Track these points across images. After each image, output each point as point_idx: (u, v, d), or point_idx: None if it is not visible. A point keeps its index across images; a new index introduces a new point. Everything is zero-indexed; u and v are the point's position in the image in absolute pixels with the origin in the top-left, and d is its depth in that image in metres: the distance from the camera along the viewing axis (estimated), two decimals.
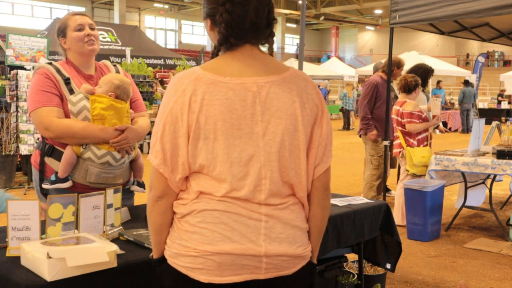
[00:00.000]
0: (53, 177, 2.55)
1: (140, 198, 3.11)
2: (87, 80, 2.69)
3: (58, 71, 2.61)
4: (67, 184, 2.53)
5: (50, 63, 2.66)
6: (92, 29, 2.68)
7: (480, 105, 21.13)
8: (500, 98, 22.14)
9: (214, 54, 1.63)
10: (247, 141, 1.54)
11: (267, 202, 1.56)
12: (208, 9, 1.64)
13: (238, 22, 1.57)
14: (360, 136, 6.31)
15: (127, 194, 2.79)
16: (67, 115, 2.55)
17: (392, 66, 6.03)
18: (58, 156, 2.56)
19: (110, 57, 14.64)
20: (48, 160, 2.62)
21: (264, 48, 1.68)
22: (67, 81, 2.59)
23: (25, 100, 7.00)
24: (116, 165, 2.59)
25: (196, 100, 1.52)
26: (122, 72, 2.83)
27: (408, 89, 5.63)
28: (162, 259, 1.63)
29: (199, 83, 1.54)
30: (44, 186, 2.57)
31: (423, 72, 6.09)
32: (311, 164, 1.64)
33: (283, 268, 1.58)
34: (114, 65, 2.88)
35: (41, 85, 2.56)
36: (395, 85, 6.54)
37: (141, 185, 2.80)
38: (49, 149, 2.60)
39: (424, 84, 6.19)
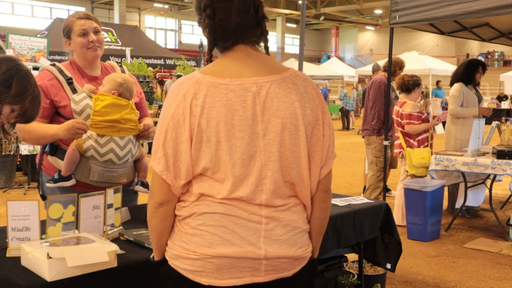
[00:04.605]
0: (56, 175, 2.54)
1: (144, 198, 3.09)
2: (92, 82, 2.69)
3: (61, 71, 2.62)
4: (70, 183, 2.53)
5: (54, 64, 2.67)
6: (96, 32, 2.67)
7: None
8: (498, 102, 22.13)
9: (208, 60, 1.64)
10: (248, 142, 1.53)
11: (268, 203, 1.55)
12: (198, 17, 1.66)
13: (221, 25, 1.57)
14: (363, 137, 6.23)
15: (131, 195, 2.79)
16: (69, 116, 2.54)
17: (394, 67, 6.00)
18: (62, 154, 2.56)
19: (110, 57, 14.66)
20: (52, 159, 2.62)
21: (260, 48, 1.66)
22: (69, 81, 2.60)
23: None
24: (120, 163, 2.58)
25: (197, 103, 1.51)
26: (127, 73, 2.84)
27: (405, 88, 5.60)
28: (163, 261, 1.63)
29: (200, 87, 1.53)
30: (48, 185, 2.56)
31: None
32: (317, 166, 1.62)
33: (283, 270, 1.58)
34: (120, 66, 2.90)
35: None
36: (395, 85, 6.50)
37: (145, 185, 2.77)
38: (53, 148, 2.61)
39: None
